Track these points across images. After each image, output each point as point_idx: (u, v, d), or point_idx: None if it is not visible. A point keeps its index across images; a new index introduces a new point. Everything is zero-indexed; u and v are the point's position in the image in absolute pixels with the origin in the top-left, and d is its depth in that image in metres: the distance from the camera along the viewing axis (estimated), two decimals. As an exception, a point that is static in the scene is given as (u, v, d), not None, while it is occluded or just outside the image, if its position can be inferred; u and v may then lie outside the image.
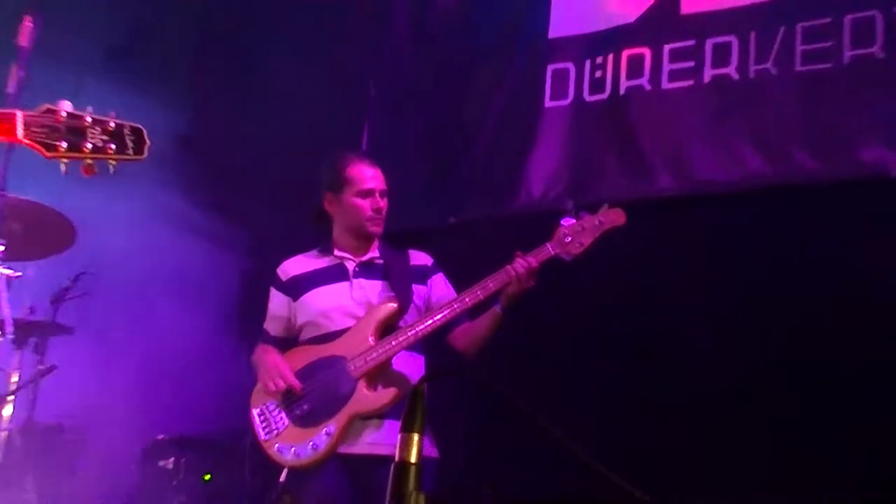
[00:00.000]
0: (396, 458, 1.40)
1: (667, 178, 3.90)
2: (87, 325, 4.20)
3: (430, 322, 2.85)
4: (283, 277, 3.08)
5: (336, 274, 3.02)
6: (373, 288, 2.99)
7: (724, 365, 3.53)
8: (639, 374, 3.73)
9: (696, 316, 3.65)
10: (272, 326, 3.12)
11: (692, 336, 3.63)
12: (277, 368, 2.91)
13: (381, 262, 3.05)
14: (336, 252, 3.06)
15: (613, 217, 2.86)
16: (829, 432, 3.29)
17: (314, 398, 2.87)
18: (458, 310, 2.85)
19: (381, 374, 2.87)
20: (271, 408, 2.93)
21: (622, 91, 4.04)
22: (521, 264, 2.79)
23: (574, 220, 2.85)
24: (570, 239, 2.83)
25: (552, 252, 2.83)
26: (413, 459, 1.40)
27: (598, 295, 3.79)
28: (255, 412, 2.96)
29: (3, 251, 3.38)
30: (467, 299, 2.83)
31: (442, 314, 2.85)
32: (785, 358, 3.48)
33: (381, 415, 2.84)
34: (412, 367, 2.96)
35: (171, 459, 3.98)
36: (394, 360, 2.90)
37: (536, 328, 3.81)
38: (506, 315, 2.88)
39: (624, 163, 4.00)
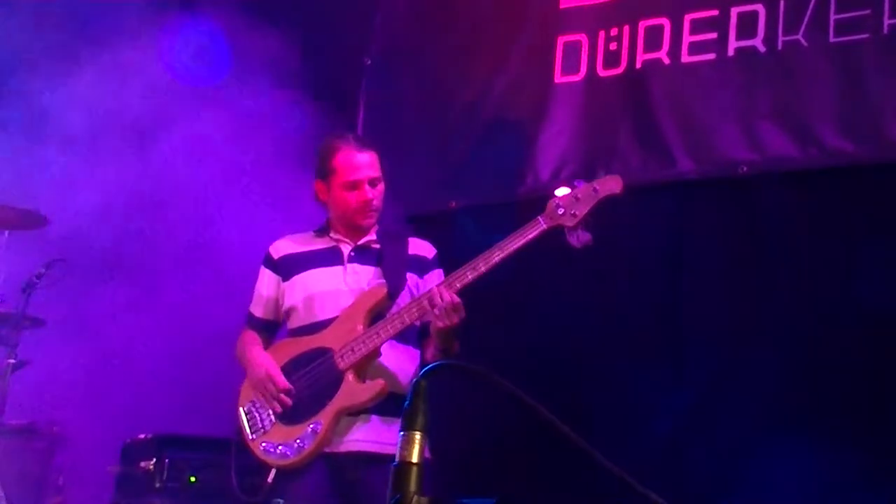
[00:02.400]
0: (397, 458, 1.30)
1: (687, 159, 3.79)
2: (61, 317, 4.11)
3: (417, 311, 2.77)
4: (275, 255, 3.05)
5: (330, 257, 2.98)
6: (367, 274, 2.95)
7: (762, 362, 3.44)
8: (664, 373, 3.63)
9: (723, 309, 3.56)
10: (258, 308, 3.08)
11: (723, 330, 3.55)
12: (267, 370, 2.86)
13: (377, 246, 3.01)
14: (332, 234, 3.02)
15: (611, 185, 2.78)
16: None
17: (301, 394, 2.84)
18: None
19: (369, 365, 2.82)
20: (258, 404, 2.91)
21: (639, 65, 3.90)
22: (431, 298, 2.71)
23: (568, 191, 2.77)
24: (562, 211, 2.75)
25: (544, 226, 2.76)
26: (415, 459, 1.31)
27: (615, 284, 3.72)
28: (242, 410, 2.94)
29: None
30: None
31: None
32: (823, 351, 3.38)
33: (367, 410, 2.80)
34: (406, 361, 2.92)
35: (153, 460, 3.88)
36: (387, 354, 2.85)
37: (549, 323, 3.75)
38: (447, 353, 2.80)
39: (641, 143, 3.87)
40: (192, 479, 3.92)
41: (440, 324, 2.71)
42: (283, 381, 2.85)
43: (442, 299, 2.68)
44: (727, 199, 3.73)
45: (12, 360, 3.75)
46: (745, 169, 3.65)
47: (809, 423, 3.29)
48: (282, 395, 2.83)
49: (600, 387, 3.70)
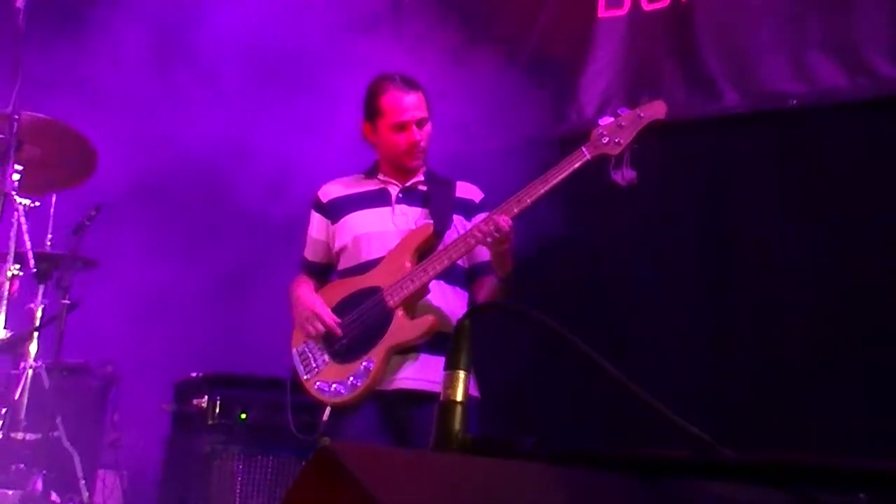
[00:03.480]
0: (441, 397, 1.32)
1: (733, 92, 3.73)
2: (113, 258, 4.18)
3: (463, 246, 2.78)
4: (324, 199, 3.08)
5: (378, 198, 3.01)
6: (414, 214, 2.98)
7: (808, 300, 3.41)
8: (711, 311, 3.62)
9: (770, 245, 3.52)
10: (310, 251, 3.12)
11: (770, 268, 3.52)
12: (314, 308, 2.91)
13: (424, 188, 3.02)
14: (380, 176, 3.05)
15: (654, 110, 2.75)
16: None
17: (352, 332, 2.88)
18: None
19: (418, 302, 2.85)
20: (311, 345, 2.95)
21: (685, -4, 3.83)
22: (481, 228, 2.71)
23: (612, 119, 2.74)
24: (606, 139, 2.72)
25: (588, 156, 2.74)
26: (459, 398, 1.32)
27: (661, 222, 3.70)
28: (295, 351, 2.98)
29: (19, 179, 3.36)
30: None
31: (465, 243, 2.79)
32: (879, 289, 3.32)
33: (417, 347, 2.83)
34: (455, 300, 2.94)
35: (205, 398, 3.96)
36: (436, 294, 2.88)
37: (594, 262, 3.73)
38: (506, 282, 2.82)
39: (686, 77, 3.82)
40: (243, 416, 4.01)
41: (493, 248, 2.73)
42: (331, 317, 2.88)
43: (495, 222, 2.70)
44: (776, 134, 3.67)
45: (66, 302, 3.84)
46: (794, 102, 3.58)
47: (858, 355, 3.26)
48: (332, 328, 2.86)
49: (644, 325, 3.70)
